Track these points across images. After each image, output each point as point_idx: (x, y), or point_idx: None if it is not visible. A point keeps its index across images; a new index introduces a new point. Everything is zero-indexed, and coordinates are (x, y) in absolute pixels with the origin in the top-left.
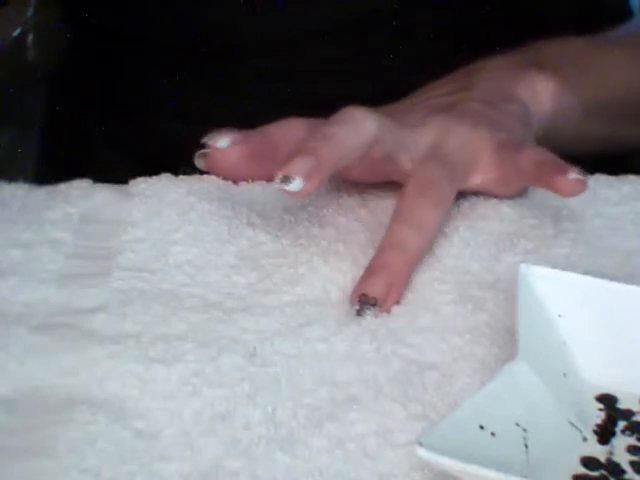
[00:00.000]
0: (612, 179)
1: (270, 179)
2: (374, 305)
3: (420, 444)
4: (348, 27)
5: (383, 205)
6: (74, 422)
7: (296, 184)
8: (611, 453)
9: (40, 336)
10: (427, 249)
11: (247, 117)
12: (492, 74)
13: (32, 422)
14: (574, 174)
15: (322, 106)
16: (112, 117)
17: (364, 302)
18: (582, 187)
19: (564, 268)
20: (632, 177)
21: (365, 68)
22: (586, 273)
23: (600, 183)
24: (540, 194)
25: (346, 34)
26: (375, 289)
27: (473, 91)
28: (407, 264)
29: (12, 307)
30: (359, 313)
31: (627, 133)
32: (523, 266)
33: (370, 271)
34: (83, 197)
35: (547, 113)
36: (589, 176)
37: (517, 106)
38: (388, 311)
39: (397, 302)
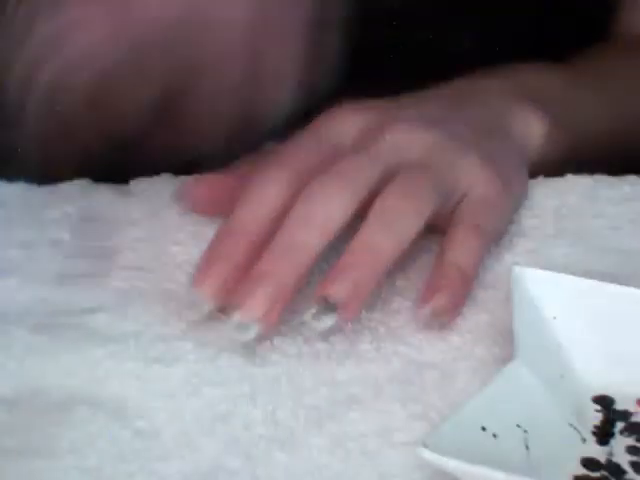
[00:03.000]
0: (612, 179)
1: None
2: (333, 311)
3: (425, 445)
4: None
5: None
6: (74, 422)
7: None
8: (611, 454)
9: (40, 336)
10: (398, 258)
11: None
12: (484, 101)
13: (32, 422)
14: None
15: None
16: None
17: (322, 305)
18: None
19: (563, 268)
20: (632, 177)
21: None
22: (585, 272)
23: (600, 183)
24: (540, 193)
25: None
26: (338, 292)
27: (463, 112)
28: (378, 269)
29: (12, 307)
30: (314, 317)
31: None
32: (517, 268)
33: (335, 270)
34: (83, 197)
35: (538, 153)
36: (589, 176)
37: (512, 146)
38: (345, 324)
39: (359, 312)
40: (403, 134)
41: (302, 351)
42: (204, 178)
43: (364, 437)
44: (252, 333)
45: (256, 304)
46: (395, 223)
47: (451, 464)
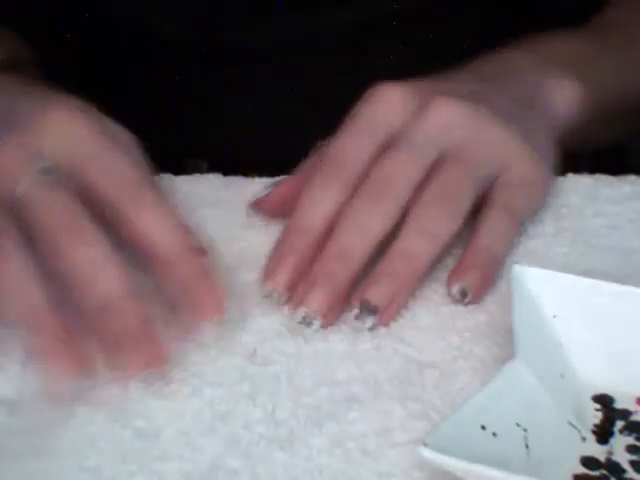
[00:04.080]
0: (612, 179)
1: None
2: (374, 313)
3: (425, 444)
4: (348, 32)
5: None
6: (75, 423)
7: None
8: (610, 453)
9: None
10: (436, 259)
11: (246, 118)
12: (516, 73)
13: (34, 423)
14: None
15: (322, 107)
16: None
17: (364, 308)
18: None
19: (563, 267)
20: (632, 177)
21: (365, 72)
22: (585, 272)
23: (600, 183)
24: None
25: (346, 39)
26: (377, 296)
27: (500, 84)
28: (414, 274)
29: None
30: (357, 317)
31: (619, 132)
32: (517, 267)
33: (375, 277)
34: None
35: (572, 120)
36: (589, 176)
37: (544, 118)
38: (386, 323)
39: (398, 312)
40: (446, 112)
41: (302, 351)
42: (280, 184)
43: (364, 436)
44: (315, 326)
45: (316, 302)
46: (431, 228)
47: (451, 463)
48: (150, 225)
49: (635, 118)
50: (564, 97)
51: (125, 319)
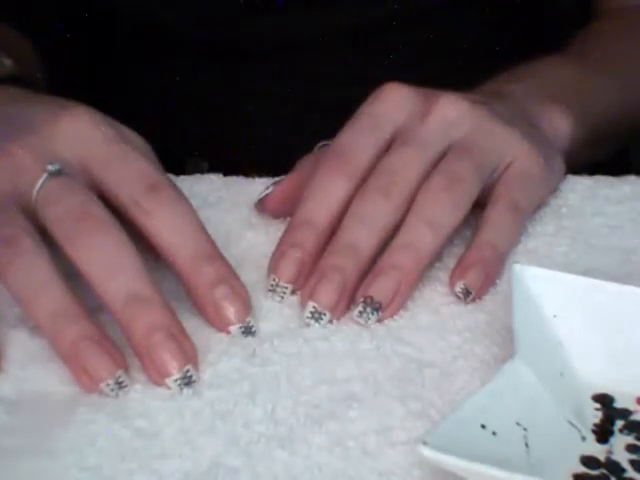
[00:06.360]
0: (612, 179)
1: None
2: (377, 310)
3: (424, 443)
4: (348, 32)
5: None
6: (74, 422)
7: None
8: (610, 452)
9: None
10: (440, 250)
11: (246, 118)
12: (513, 104)
13: (33, 422)
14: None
15: (322, 107)
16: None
17: (368, 304)
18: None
19: (563, 266)
20: (632, 177)
21: (365, 72)
22: (585, 271)
23: (600, 183)
24: None
25: (346, 39)
26: (381, 292)
27: (499, 102)
28: (418, 266)
29: (11, 309)
30: (360, 315)
31: (605, 151)
32: (517, 266)
33: (379, 270)
34: None
35: (565, 145)
36: (589, 176)
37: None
38: (390, 317)
39: (401, 306)
40: (451, 109)
41: (302, 350)
42: (282, 181)
43: (364, 435)
44: (324, 320)
45: (325, 296)
46: (436, 217)
47: (451, 462)
48: (170, 225)
49: (622, 135)
50: (557, 126)
51: (156, 312)
